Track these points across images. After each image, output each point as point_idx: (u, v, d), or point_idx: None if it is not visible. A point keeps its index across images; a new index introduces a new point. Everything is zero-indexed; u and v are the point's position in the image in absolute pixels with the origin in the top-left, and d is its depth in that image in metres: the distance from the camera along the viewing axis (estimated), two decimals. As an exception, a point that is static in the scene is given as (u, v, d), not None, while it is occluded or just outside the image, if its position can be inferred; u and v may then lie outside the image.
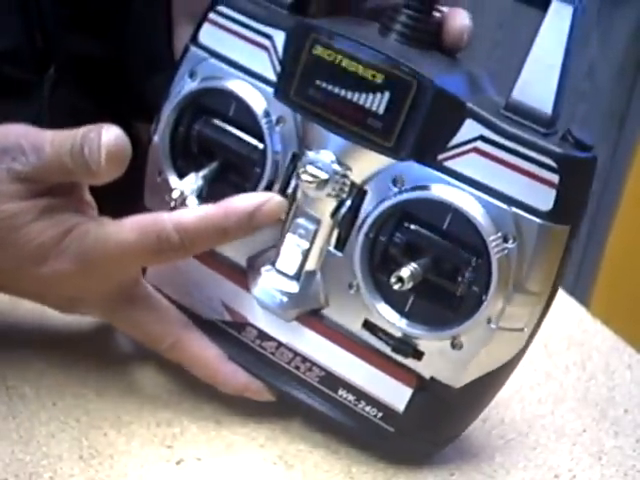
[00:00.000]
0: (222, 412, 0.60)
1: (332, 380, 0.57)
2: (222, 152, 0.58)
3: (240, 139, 0.57)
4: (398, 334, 0.55)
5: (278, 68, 0.56)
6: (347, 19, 0.57)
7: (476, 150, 0.52)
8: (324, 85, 0.54)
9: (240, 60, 0.57)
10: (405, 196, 0.53)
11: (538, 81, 0.51)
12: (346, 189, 0.55)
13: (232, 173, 0.58)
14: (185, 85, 0.58)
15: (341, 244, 0.55)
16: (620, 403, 0.68)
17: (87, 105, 0.70)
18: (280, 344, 0.58)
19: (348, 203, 0.55)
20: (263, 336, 0.59)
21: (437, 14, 0.56)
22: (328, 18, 0.56)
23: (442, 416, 0.56)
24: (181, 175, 0.58)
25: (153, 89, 0.61)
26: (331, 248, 0.56)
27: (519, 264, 0.51)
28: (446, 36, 0.55)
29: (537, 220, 0.51)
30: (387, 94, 0.52)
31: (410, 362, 0.55)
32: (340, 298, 0.56)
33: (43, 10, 0.67)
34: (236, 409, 0.60)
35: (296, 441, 0.59)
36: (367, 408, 0.57)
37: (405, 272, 0.52)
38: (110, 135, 0.54)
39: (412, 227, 0.53)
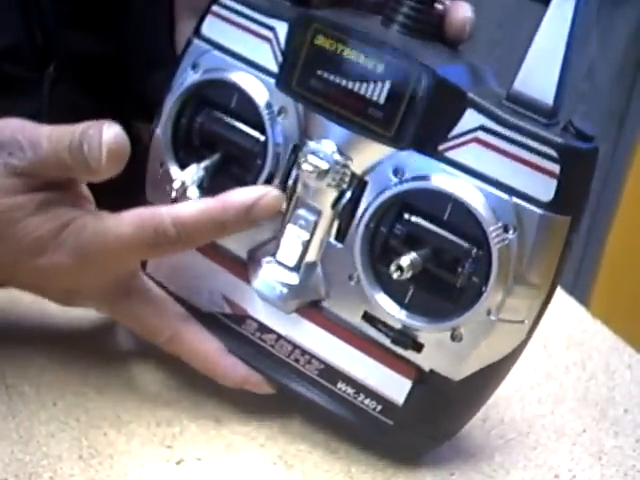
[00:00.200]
0: (222, 411, 0.60)
1: (331, 373, 0.57)
2: (224, 144, 0.58)
3: (242, 132, 0.57)
4: (398, 326, 0.54)
5: (280, 59, 0.56)
6: (349, 11, 0.58)
7: (477, 140, 0.52)
8: (325, 75, 0.54)
9: (243, 52, 0.57)
10: (406, 186, 0.53)
11: (540, 72, 0.51)
12: (347, 179, 0.55)
13: (233, 165, 0.58)
14: (187, 77, 0.58)
15: (341, 235, 0.55)
16: (620, 403, 0.68)
17: (87, 103, 0.70)
18: (280, 336, 0.58)
19: (349, 194, 0.55)
20: (263, 329, 0.58)
21: (439, 6, 0.56)
22: (330, 9, 0.56)
23: (442, 409, 0.56)
24: (183, 167, 0.58)
25: (154, 87, 0.61)
26: (331, 239, 0.56)
27: (519, 255, 0.51)
28: (448, 28, 0.55)
29: (538, 210, 0.51)
30: (388, 84, 0.53)
31: (410, 354, 0.55)
32: (340, 290, 0.56)
33: (43, 7, 0.67)
34: (236, 408, 0.60)
35: (296, 441, 0.59)
36: (366, 401, 0.57)
37: (405, 261, 0.52)
38: (110, 133, 0.54)
39: (412, 218, 0.53)
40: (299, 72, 0.55)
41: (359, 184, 0.55)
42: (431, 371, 0.55)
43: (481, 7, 0.57)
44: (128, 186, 0.58)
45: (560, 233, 0.52)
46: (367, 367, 0.56)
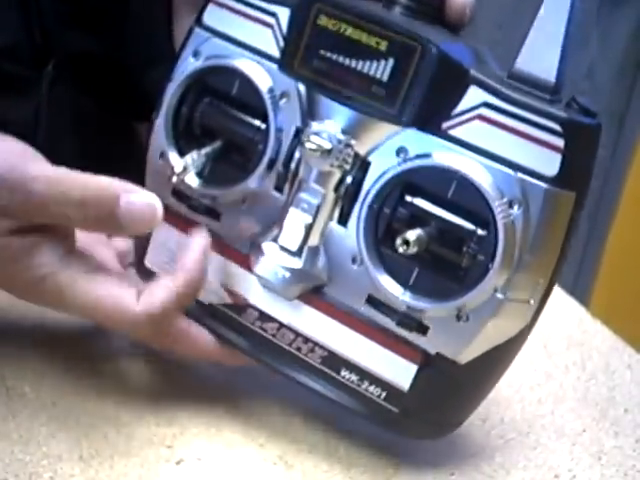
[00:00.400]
0: (222, 412, 0.60)
1: (335, 360, 0.57)
2: (225, 132, 0.58)
3: (243, 119, 0.57)
4: (402, 308, 0.54)
5: (282, 45, 0.56)
6: None
7: (480, 117, 0.52)
8: (328, 55, 0.54)
9: (244, 38, 0.57)
10: (409, 165, 0.53)
11: (542, 50, 0.51)
12: (350, 160, 0.54)
13: (234, 152, 0.58)
14: (189, 65, 0.58)
15: (344, 218, 0.55)
16: (620, 403, 0.68)
17: (86, 102, 0.70)
18: (281, 325, 0.58)
19: (352, 176, 0.55)
20: (264, 317, 0.58)
21: None
22: None
23: (448, 395, 0.56)
24: (183, 156, 0.58)
25: (152, 83, 0.61)
26: (334, 222, 0.56)
27: (525, 231, 0.51)
28: (449, 11, 0.55)
29: (543, 185, 0.51)
30: (391, 61, 0.53)
31: (415, 338, 0.54)
32: (343, 274, 0.55)
33: (42, 6, 0.67)
34: (236, 409, 0.60)
35: (296, 441, 0.59)
36: (371, 388, 0.56)
37: (411, 235, 0.51)
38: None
39: (416, 197, 0.53)
40: (302, 53, 0.55)
41: (362, 165, 0.54)
42: (437, 354, 0.54)
43: (481, 7, 0.57)
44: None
45: (565, 209, 0.52)
46: (371, 353, 0.56)
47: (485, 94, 0.52)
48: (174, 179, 0.55)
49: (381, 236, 0.54)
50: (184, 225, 0.59)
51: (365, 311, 0.55)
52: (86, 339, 0.64)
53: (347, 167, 0.54)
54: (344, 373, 0.57)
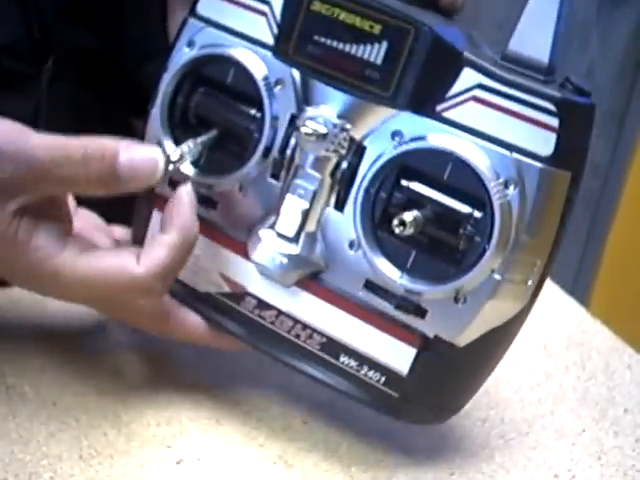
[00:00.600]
0: (222, 412, 0.60)
1: (333, 346, 0.57)
2: (220, 122, 0.58)
3: (238, 108, 0.57)
4: (400, 292, 0.54)
5: (276, 32, 0.56)
6: None
7: (475, 99, 0.52)
8: (322, 40, 0.54)
9: (238, 27, 0.57)
10: (405, 148, 0.53)
11: (534, 31, 0.51)
12: (345, 145, 0.54)
13: (230, 140, 0.58)
14: (183, 55, 0.58)
15: (341, 203, 0.55)
16: (620, 403, 0.68)
17: (86, 98, 0.70)
18: (280, 312, 0.58)
19: (347, 161, 0.55)
20: (262, 305, 0.58)
21: None
22: None
23: (447, 378, 0.56)
24: (179, 145, 0.58)
25: (148, 78, 0.61)
26: (331, 208, 0.56)
27: (521, 211, 0.51)
28: None
29: (538, 165, 0.51)
30: (385, 44, 0.53)
31: (413, 321, 0.54)
32: (340, 259, 0.56)
33: (40, 3, 0.67)
34: (236, 408, 0.60)
35: (296, 441, 0.59)
36: (370, 373, 0.56)
37: (408, 216, 0.51)
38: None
39: (412, 180, 0.53)
40: (296, 39, 0.55)
41: (358, 150, 0.54)
42: (435, 337, 0.54)
43: (481, 7, 0.58)
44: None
45: (561, 188, 0.52)
46: (370, 337, 0.56)
47: (479, 76, 0.52)
48: (170, 167, 0.55)
49: (378, 220, 0.54)
50: None
51: (363, 296, 0.55)
52: (86, 339, 0.64)
53: (343, 152, 0.55)
54: (343, 359, 0.57)
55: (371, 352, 0.56)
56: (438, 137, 0.52)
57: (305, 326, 0.57)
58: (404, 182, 0.53)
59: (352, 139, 0.54)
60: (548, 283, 0.56)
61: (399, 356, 0.55)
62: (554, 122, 0.51)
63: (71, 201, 0.58)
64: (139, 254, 0.54)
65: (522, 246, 0.52)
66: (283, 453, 0.57)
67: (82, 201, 0.61)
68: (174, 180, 0.58)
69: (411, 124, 0.53)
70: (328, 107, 0.55)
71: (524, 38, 0.52)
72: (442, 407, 0.57)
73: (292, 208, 0.56)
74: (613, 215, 1.67)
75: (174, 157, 0.55)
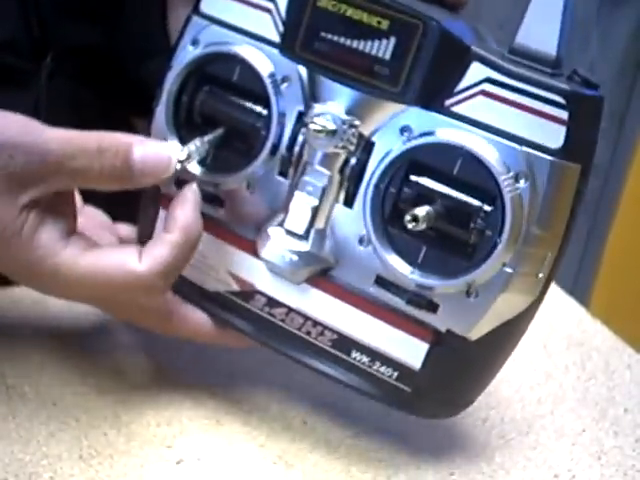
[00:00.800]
0: (222, 412, 0.60)
1: (345, 342, 0.57)
2: (226, 120, 0.58)
3: (244, 107, 0.57)
4: (411, 287, 0.54)
5: (282, 29, 0.56)
6: None
7: (483, 93, 0.52)
8: (330, 36, 0.54)
9: (243, 25, 0.57)
10: (414, 143, 0.53)
11: (541, 24, 0.51)
12: (354, 141, 0.54)
13: (236, 139, 0.58)
14: (188, 54, 0.58)
15: (350, 199, 0.55)
16: (620, 403, 0.68)
17: (85, 94, 0.70)
18: (290, 309, 0.58)
19: (356, 157, 0.55)
20: (272, 303, 0.58)
21: None
22: None
23: (459, 372, 0.56)
24: (185, 144, 0.57)
25: (148, 76, 0.61)
26: (340, 204, 0.55)
27: (532, 204, 0.51)
28: None
29: (549, 158, 0.51)
30: (393, 39, 0.53)
31: (425, 316, 0.54)
32: (351, 256, 0.55)
33: None
34: (236, 408, 0.60)
35: (296, 440, 0.59)
36: (382, 369, 0.56)
37: (420, 211, 0.52)
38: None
39: (422, 176, 0.53)
40: (302, 36, 0.55)
41: (366, 145, 0.54)
42: (448, 332, 0.54)
43: (481, 7, 0.58)
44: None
45: (571, 181, 0.52)
46: (382, 333, 0.56)
47: (487, 70, 0.52)
48: (178, 166, 0.55)
49: (388, 216, 0.54)
50: None
51: (374, 291, 0.55)
52: (86, 339, 0.64)
53: (352, 148, 0.54)
54: (355, 355, 0.57)
55: (383, 347, 0.56)
56: (447, 132, 0.52)
57: (316, 323, 0.57)
58: (413, 177, 0.53)
59: (361, 135, 0.54)
60: (549, 283, 0.56)
61: (411, 351, 0.55)
62: (564, 115, 0.51)
63: (77, 198, 0.58)
64: (141, 252, 0.54)
65: (533, 239, 0.52)
66: (283, 453, 0.57)
67: (88, 199, 0.61)
68: (180, 180, 0.58)
69: (420, 119, 0.53)
70: (336, 103, 0.55)
71: (531, 31, 0.52)
72: (454, 401, 0.57)
73: (301, 205, 0.56)
74: (613, 215, 1.67)
75: (182, 156, 0.55)
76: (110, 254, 0.54)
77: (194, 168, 0.57)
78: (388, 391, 0.56)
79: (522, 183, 0.51)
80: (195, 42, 0.58)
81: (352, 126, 0.54)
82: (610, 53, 1.57)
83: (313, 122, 0.54)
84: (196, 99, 0.58)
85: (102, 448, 0.55)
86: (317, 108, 0.55)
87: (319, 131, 0.54)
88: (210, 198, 0.58)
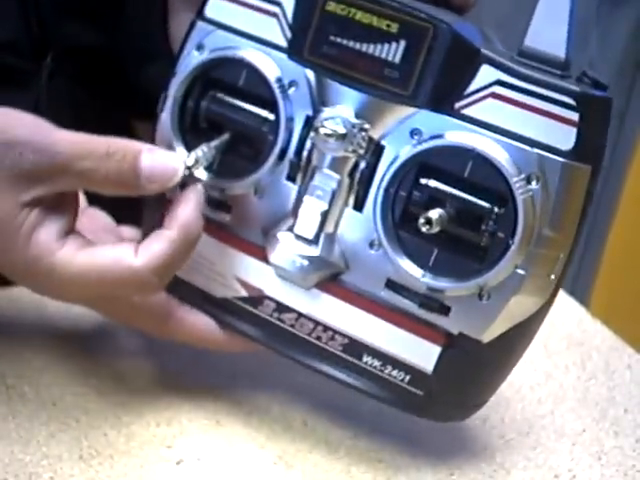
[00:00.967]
0: (222, 412, 0.60)
1: (356, 347, 0.56)
2: (232, 125, 0.58)
3: (251, 112, 0.57)
4: (423, 290, 0.54)
5: (288, 34, 0.56)
6: None
7: (494, 95, 0.52)
8: (338, 40, 0.54)
9: (249, 29, 0.57)
10: (424, 146, 0.53)
11: (549, 26, 0.51)
12: (364, 145, 0.54)
13: (244, 144, 0.57)
14: (193, 59, 0.58)
15: (360, 203, 0.55)
16: (620, 403, 0.68)
17: (85, 95, 0.70)
18: (300, 315, 0.57)
19: (366, 160, 0.55)
20: (281, 308, 0.58)
21: None
22: None
23: (472, 374, 0.56)
24: (190, 151, 0.57)
25: (148, 80, 0.60)
26: (350, 208, 0.55)
27: (544, 206, 0.51)
28: None
29: (560, 159, 0.51)
30: (403, 42, 0.53)
31: (437, 319, 0.54)
32: (361, 260, 0.55)
33: None
34: (236, 408, 0.60)
35: (296, 441, 0.59)
36: (394, 373, 0.56)
37: (434, 214, 0.51)
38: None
39: (433, 179, 0.53)
40: (311, 40, 0.55)
41: (376, 149, 0.54)
42: (460, 334, 0.54)
43: (481, 7, 0.58)
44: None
45: (582, 182, 0.52)
46: (393, 337, 0.55)
47: (497, 72, 0.52)
48: (185, 172, 0.55)
49: (398, 219, 0.54)
50: None
51: (385, 295, 0.55)
52: (87, 339, 0.64)
53: (361, 152, 0.54)
54: (366, 359, 0.56)
55: (395, 351, 0.56)
56: (457, 134, 0.52)
57: (326, 328, 0.57)
58: (424, 180, 0.53)
59: (370, 138, 0.54)
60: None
61: (423, 354, 0.55)
62: (574, 116, 0.51)
63: (82, 199, 0.58)
64: (138, 247, 0.54)
65: (545, 240, 0.52)
66: (283, 453, 0.57)
67: (93, 201, 0.61)
68: (185, 184, 0.57)
69: (430, 122, 0.53)
70: (345, 107, 0.54)
71: (539, 34, 0.52)
72: (466, 403, 0.57)
73: (311, 210, 0.55)
74: (613, 215, 1.67)
75: (189, 162, 0.55)
76: (105, 251, 0.54)
77: (201, 174, 0.57)
78: (400, 395, 0.56)
79: (534, 185, 0.51)
80: (200, 47, 0.58)
81: (362, 130, 0.54)
82: (609, 53, 1.57)
83: (323, 126, 0.54)
84: (202, 104, 0.58)
85: (102, 448, 0.55)
86: (327, 112, 0.54)
87: (329, 135, 0.54)
88: (217, 203, 0.58)
